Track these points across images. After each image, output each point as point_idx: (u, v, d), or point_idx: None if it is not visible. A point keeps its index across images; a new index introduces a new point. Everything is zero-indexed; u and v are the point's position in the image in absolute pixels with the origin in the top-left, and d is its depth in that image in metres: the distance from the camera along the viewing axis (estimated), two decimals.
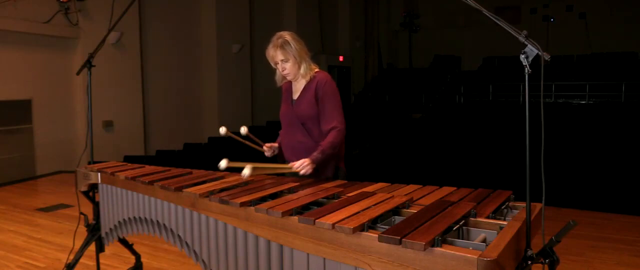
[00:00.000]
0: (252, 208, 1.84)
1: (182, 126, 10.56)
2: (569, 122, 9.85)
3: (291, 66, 2.53)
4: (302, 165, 2.36)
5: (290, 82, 2.69)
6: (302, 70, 2.55)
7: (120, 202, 2.64)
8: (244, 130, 2.53)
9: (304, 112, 2.56)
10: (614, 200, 5.62)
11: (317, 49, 14.07)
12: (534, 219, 1.62)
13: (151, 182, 2.35)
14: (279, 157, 2.77)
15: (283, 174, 2.47)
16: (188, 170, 2.65)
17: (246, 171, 2.08)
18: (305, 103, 2.57)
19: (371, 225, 1.59)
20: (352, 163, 6.36)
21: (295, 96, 2.64)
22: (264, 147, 2.69)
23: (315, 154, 2.43)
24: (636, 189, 5.96)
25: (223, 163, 2.14)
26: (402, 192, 2.02)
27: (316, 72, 2.59)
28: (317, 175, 2.50)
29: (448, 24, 17.40)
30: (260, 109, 12.54)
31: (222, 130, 2.49)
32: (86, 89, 2.94)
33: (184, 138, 10.28)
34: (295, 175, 2.42)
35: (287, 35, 2.52)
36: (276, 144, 2.75)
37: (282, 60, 2.52)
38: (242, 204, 1.87)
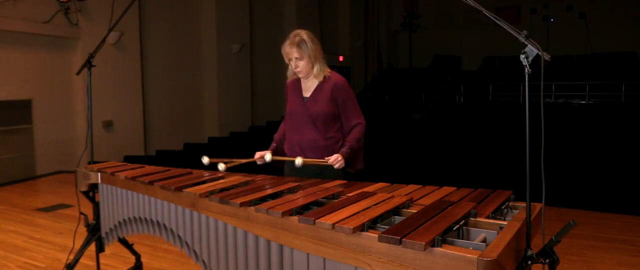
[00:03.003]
0: (252, 208, 1.84)
1: (182, 126, 10.56)
2: (569, 122, 9.84)
3: (304, 65, 2.56)
4: (336, 160, 2.48)
5: (295, 81, 2.70)
6: (315, 71, 2.59)
7: (120, 202, 2.64)
8: (222, 166, 2.50)
9: (319, 111, 2.58)
10: (614, 200, 5.61)
11: None
12: (534, 219, 1.62)
13: (151, 182, 2.36)
14: (278, 156, 2.76)
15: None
16: (188, 170, 2.65)
17: (299, 161, 2.40)
18: (320, 102, 2.58)
19: (371, 225, 1.59)
20: None
21: (307, 94, 2.65)
22: (256, 157, 2.64)
23: (344, 149, 2.54)
24: (636, 189, 5.96)
25: (205, 159, 2.49)
26: (402, 192, 2.02)
27: (330, 73, 2.63)
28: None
29: (448, 24, 17.40)
30: (260, 109, 12.54)
31: (205, 160, 2.53)
32: (86, 89, 2.94)
33: (184, 138, 10.28)
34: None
35: (304, 33, 2.56)
36: (268, 151, 2.71)
37: (296, 58, 2.54)
38: (242, 204, 1.87)
